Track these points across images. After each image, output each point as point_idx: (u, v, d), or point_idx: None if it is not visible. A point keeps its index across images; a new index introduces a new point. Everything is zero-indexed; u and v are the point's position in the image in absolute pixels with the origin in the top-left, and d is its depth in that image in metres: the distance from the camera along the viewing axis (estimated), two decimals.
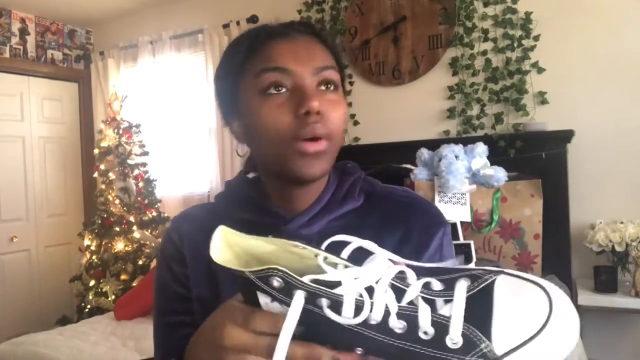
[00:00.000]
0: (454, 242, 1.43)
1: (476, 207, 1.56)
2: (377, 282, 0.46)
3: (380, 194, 0.83)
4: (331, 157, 0.74)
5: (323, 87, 0.73)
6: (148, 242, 3.60)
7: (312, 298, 0.45)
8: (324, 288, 0.45)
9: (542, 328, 0.43)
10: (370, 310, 0.44)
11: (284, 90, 0.71)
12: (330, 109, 0.72)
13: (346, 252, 0.51)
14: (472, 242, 1.38)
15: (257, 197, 0.80)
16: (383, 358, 0.45)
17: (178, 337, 0.79)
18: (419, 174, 1.66)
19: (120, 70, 4.20)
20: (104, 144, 3.76)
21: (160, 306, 0.83)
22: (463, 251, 1.38)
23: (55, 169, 4.27)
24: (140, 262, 3.54)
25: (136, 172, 3.74)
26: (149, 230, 3.64)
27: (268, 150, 0.73)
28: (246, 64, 0.75)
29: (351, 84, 3.25)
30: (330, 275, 0.46)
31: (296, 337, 0.45)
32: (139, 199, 3.69)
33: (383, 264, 0.47)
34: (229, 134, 3.66)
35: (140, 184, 3.74)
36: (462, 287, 0.45)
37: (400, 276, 0.47)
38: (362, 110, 3.23)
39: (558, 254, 2.46)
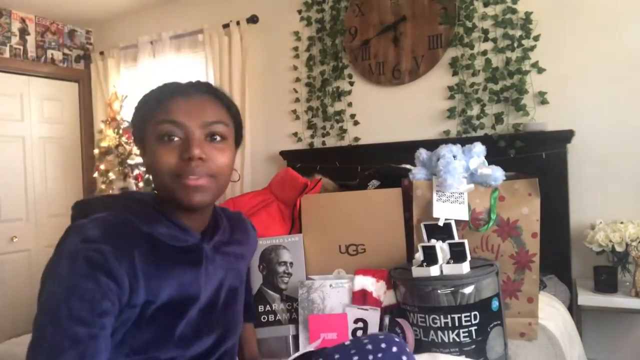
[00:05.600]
0: (449, 241, 1.42)
1: (474, 206, 1.56)
2: None
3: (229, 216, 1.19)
4: (214, 192, 0.97)
5: (210, 138, 0.96)
6: None
7: None
8: None
9: None
10: None
11: (176, 139, 0.94)
12: (215, 155, 0.96)
13: None
14: (465, 241, 1.38)
15: (170, 214, 0.98)
16: None
17: (106, 347, 0.83)
18: (417, 173, 1.65)
19: (120, 70, 4.20)
20: (104, 144, 3.76)
21: (80, 316, 0.81)
22: (457, 250, 1.38)
23: (55, 169, 4.27)
24: None
25: (136, 172, 3.74)
26: None
27: (161, 183, 0.94)
28: (151, 113, 0.96)
29: (351, 84, 3.25)
30: None
31: None
32: None
33: None
34: None
35: (140, 184, 3.73)
36: None
37: None
38: (362, 110, 3.23)
39: (558, 254, 2.45)
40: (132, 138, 1.05)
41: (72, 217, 1.02)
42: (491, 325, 1.33)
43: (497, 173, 1.54)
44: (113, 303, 0.84)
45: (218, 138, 0.97)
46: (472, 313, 1.31)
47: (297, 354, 1.15)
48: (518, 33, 2.70)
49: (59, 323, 0.79)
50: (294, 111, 3.45)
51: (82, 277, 0.82)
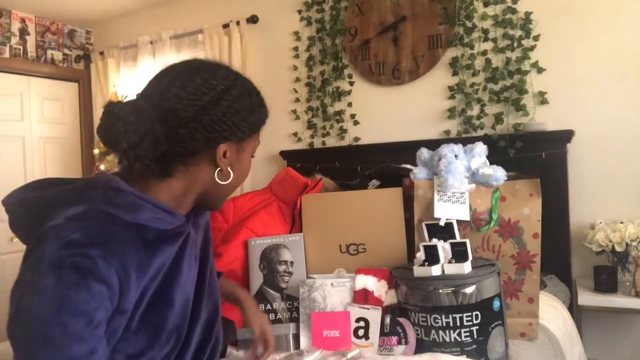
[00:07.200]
0: (451, 240, 1.42)
1: (475, 206, 1.56)
2: None
3: None
4: None
5: None
6: None
7: None
8: None
9: None
10: None
11: None
12: None
13: None
14: (467, 241, 1.38)
15: (152, 199, 0.91)
16: None
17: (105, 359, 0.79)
18: (419, 173, 1.65)
19: (120, 70, 4.20)
20: None
21: (76, 332, 0.73)
22: (459, 249, 1.38)
23: (55, 169, 4.27)
24: None
25: None
26: None
27: (228, 188, 0.97)
28: (259, 124, 1.04)
29: (351, 84, 3.25)
30: None
31: None
32: None
33: None
34: None
35: None
36: None
37: None
38: (362, 110, 3.23)
39: (558, 254, 2.46)
40: (233, 125, 0.94)
41: (15, 218, 0.89)
42: (492, 325, 1.33)
43: (498, 173, 1.54)
44: (106, 309, 0.76)
45: None
46: (474, 313, 1.31)
47: None
48: (518, 33, 2.70)
49: (53, 345, 0.70)
50: (294, 111, 3.45)
51: (72, 287, 0.72)
